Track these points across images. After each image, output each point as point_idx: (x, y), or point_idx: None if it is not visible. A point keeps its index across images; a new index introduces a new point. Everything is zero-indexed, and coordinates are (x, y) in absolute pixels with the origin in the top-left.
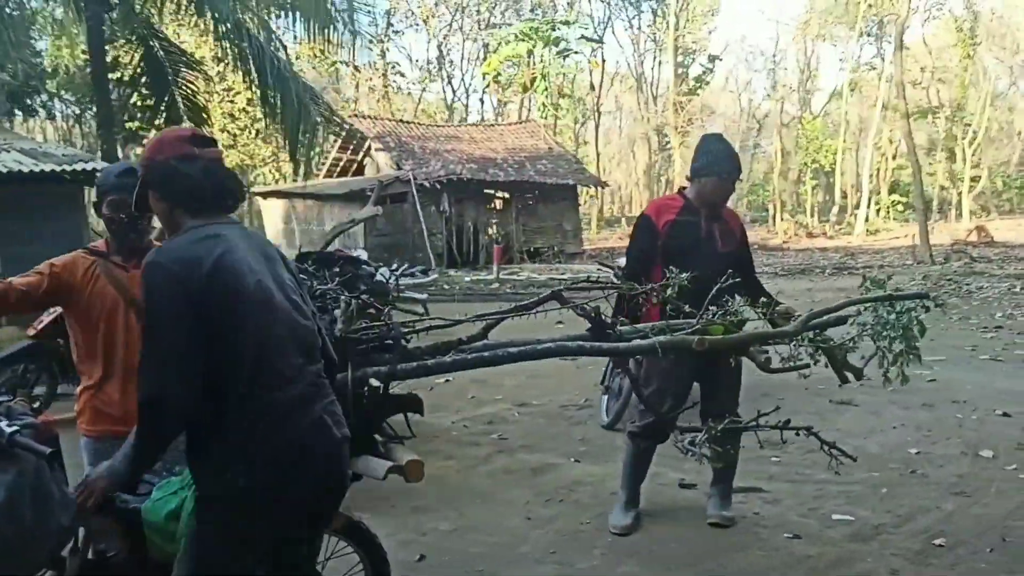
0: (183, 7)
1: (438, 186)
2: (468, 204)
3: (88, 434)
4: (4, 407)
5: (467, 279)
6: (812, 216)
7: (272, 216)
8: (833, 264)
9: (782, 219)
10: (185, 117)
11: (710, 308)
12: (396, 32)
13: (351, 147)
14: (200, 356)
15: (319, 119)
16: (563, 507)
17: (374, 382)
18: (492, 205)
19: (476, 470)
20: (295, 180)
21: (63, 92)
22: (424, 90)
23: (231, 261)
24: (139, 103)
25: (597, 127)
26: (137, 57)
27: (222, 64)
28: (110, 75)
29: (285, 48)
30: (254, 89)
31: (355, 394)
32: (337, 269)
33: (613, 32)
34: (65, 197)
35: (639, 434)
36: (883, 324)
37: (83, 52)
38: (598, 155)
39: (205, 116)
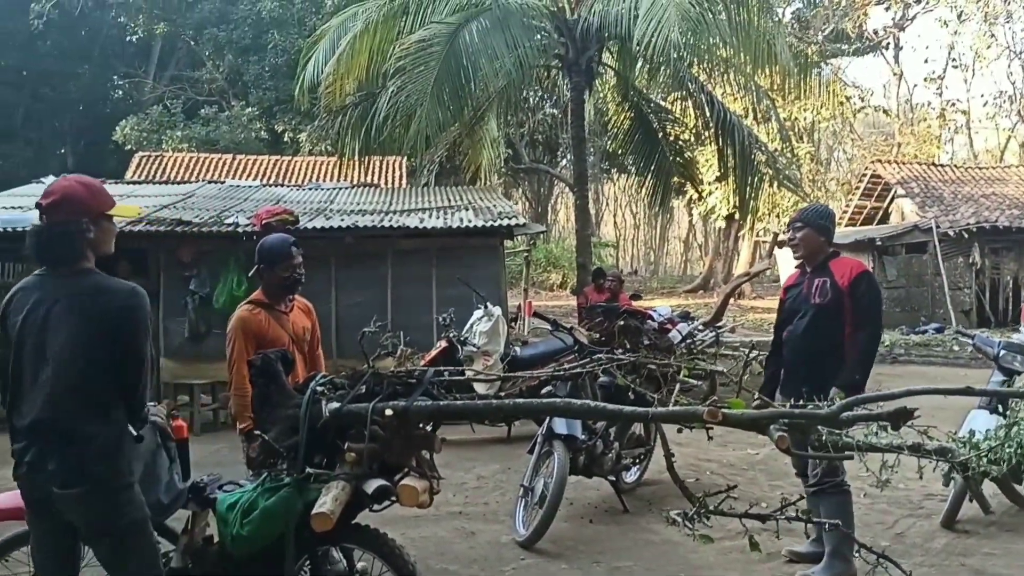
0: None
1: (965, 235)
2: (1007, 255)
3: None
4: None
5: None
6: None
7: (787, 264)
8: None
9: None
10: (673, 168)
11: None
12: (955, 66)
13: (875, 194)
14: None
15: (764, 168)
16: None
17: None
18: None
19: (719, 543)
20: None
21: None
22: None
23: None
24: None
25: None
26: (626, 119)
27: (699, 121)
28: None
29: (773, 102)
30: (719, 143)
31: (372, 422)
32: (622, 323)
33: None
34: (489, 248)
35: None
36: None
37: None
38: None
39: (691, 166)
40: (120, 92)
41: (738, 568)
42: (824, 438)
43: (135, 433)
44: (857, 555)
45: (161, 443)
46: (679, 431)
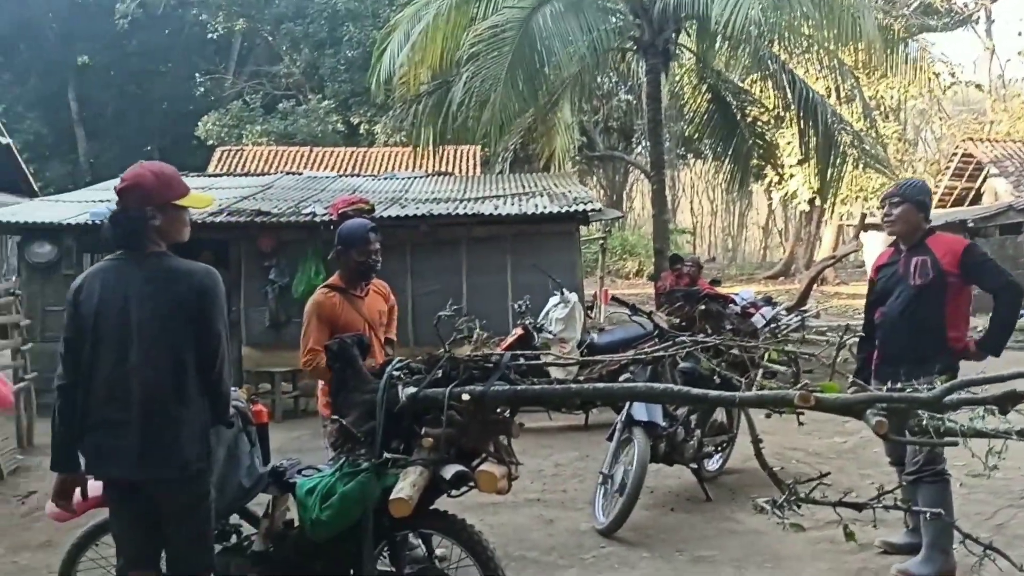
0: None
1: None
2: None
3: None
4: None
5: None
6: None
7: (873, 248)
8: None
9: None
10: (752, 151)
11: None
12: None
13: (966, 174)
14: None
15: (849, 149)
16: None
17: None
18: None
19: (807, 533)
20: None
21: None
22: None
23: (90, 286)
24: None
25: None
26: (704, 101)
27: (780, 102)
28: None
29: (857, 80)
30: (803, 126)
31: (449, 406)
32: (703, 307)
33: None
34: (565, 234)
35: None
36: None
37: None
38: None
39: (771, 149)
40: (202, 89)
41: (827, 559)
42: (925, 423)
43: (222, 417)
44: (958, 547)
45: (242, 427)
46: (767, 416)
